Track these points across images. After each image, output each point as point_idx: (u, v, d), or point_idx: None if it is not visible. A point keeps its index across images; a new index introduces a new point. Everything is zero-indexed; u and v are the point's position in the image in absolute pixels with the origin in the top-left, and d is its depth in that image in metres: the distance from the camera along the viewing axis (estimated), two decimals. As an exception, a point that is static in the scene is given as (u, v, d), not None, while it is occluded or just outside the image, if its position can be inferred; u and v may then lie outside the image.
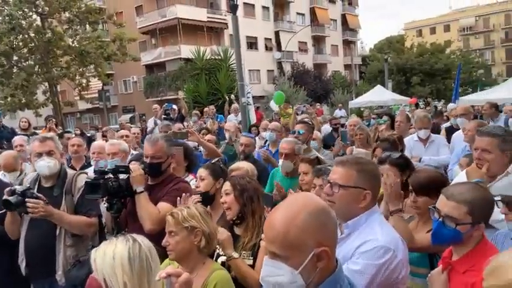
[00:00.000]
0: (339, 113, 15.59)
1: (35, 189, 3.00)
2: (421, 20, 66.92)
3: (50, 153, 2.99)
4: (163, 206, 2.79)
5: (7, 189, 2.83)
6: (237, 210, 2.45)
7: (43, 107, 19.30)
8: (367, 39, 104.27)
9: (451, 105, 11.82)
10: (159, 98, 29.48)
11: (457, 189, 1.93)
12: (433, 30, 64.53)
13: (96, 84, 24.82)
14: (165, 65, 34.14)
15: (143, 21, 34.48)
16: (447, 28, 63.99)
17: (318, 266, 1.21)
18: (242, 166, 3.51)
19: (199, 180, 3.04)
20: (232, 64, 17.32)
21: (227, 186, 2.52)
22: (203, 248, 2.10)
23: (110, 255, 1.50)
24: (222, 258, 2.36)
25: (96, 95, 30.71)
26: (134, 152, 5.26)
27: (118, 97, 38.67)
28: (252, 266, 2.31)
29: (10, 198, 2.76)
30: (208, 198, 2.89)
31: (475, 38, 62.13)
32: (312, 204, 1.25)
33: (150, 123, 10.43)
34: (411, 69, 37.63)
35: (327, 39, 45.51)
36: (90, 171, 3.75)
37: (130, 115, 33.26)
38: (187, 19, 32.69)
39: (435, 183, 2.37)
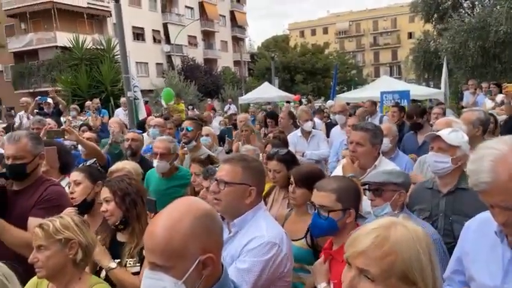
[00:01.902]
0: (230, 108, 15.79)
1: None
2: (303, 22, 71.77)
3: None
4: (35, 224, 2.41)
5: None
6: (120, 217, 2.27)
7: None
8: (255, 37, 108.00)
9: (329, 102, 12.88)
10: (31, 90, 26.40)
11: (326, 181, 2.10)
12: (313, 32, 69.70)
13: None
14: (38, 53, 30.58)
15: (10, 3, 30.37)
16: (326, 31, 69.73)
17: (203, 274, 1.15)
18: (123, 167, 3.27)
19: (73, 185, 2.71)
20: (116, 55, 16.27)
21: (106, 193, 2.31)
22: (80, 262, 1.89)
23: None
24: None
25: None
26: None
27: (-22, 88, 33.44)
28: (139, 273, 2.17)
29: None
30: (86, 206, 2.62)
31: (349, 41, 68.93)
32: (196, 208, 1.18)
33: (18, 119, 9.20)
34: (295, 67, 40.18)
35: (216, 35, 45.82)
36: None
37: (-5, 108, 29.07)
38: (64, 4, 29.76)
39: (314, 177, 2.51)
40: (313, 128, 5.63)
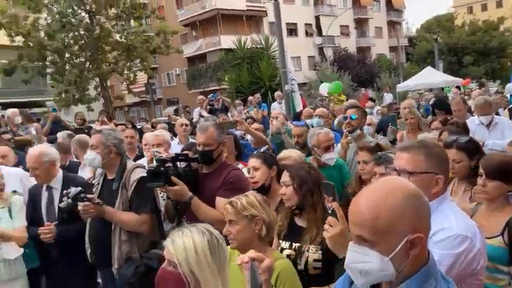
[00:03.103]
0: (387, 96, 15.02)
1: (101, 181, 3.12)
2: (472, -4, 62.87)
3: (92, 147, 3.07)
4: (222, 204, 2.68)
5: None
6: (296, 202, 2.37)
7: (94, 101, 20.23)
8: (413, 19, 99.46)
9: (510, 86, 11.04)
10: (202, 89, 29.88)
11: None
12: (484, 7, 60.39)
13: (141, 78, 25.48)
14: (206, 56, 34.50)
15: (184, 14, 34.99)
16: (499, 4, 59.46)
17: (410, 254, 1.12)
18: (290, 155, 3.42)
19: (252, 170, 2.97)
20: (273, 52, 17.15)
21: (286, 177, 2.44)
22: (264, 237, 2.06)
23: (191, 249, 1.47)
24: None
25: (143, 88, 31.81)
26: (193, 140, 5.35)
27: (162, 90, 39.67)
28: (321, 260, 2.24)
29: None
30: (264, 190, 2.83)
31: (531, 12, 57.56)
32: (404, 187, 1.16)
33: (195, 114, 10.57)
34: (463, 48, 35.59)
35: (370, 22, 43.95)
36: (143, 162, 3.84)
37: (174, 107, 34.02)
38: (226, 9, 32.76)
39: (510, 168, 2.18)
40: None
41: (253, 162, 2.99)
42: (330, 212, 1.75)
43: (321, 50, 37.78)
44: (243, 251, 2.08)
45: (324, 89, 10.67)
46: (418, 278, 1.14)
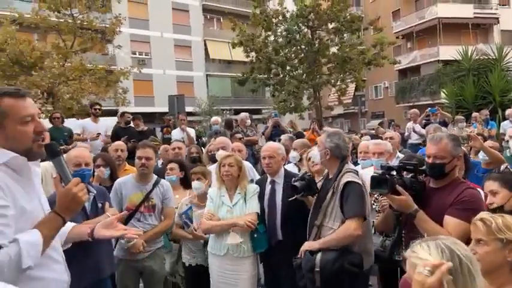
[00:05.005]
0: None
1: (323, 180, 3.34)
2: None
3: (317, 145, 3.39)
4: (451, 223, 2.50)
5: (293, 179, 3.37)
6: None
7: (307, 110, 21.88)
8: None
9: None
10: (411, 104, 28.20)
11: None
12: None
13: (349, 90, 25.87)
14: (420, 69, 32.40)
15: (400, 25, 33.89)
16: None
17: None
18: None
19: (490, 195, 2.62)
20: (507, 63, 14.62)
21: (493, 185, 2.17)
22: (517, 268, 1.76)
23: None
24: None
25: (349, 100, 32.43)
26: (400, 155, 5.18)
27: (368, 103, 39.39)
28: None
29: (295, 183, 3.25)
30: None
31: None
32: None
33: (407, 128, 10.09)
34: None
35: None
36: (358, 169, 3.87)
37: (378, 120, 33.26)
38: (450, 18, 30.00)
39: None
40: None
41: (490, 185, 2.64)
42: None
43: None
44: (487, 276, 1.82)
45: None
46: None
